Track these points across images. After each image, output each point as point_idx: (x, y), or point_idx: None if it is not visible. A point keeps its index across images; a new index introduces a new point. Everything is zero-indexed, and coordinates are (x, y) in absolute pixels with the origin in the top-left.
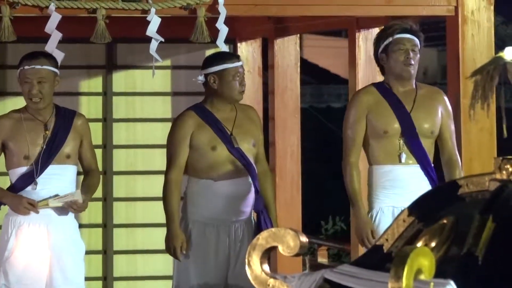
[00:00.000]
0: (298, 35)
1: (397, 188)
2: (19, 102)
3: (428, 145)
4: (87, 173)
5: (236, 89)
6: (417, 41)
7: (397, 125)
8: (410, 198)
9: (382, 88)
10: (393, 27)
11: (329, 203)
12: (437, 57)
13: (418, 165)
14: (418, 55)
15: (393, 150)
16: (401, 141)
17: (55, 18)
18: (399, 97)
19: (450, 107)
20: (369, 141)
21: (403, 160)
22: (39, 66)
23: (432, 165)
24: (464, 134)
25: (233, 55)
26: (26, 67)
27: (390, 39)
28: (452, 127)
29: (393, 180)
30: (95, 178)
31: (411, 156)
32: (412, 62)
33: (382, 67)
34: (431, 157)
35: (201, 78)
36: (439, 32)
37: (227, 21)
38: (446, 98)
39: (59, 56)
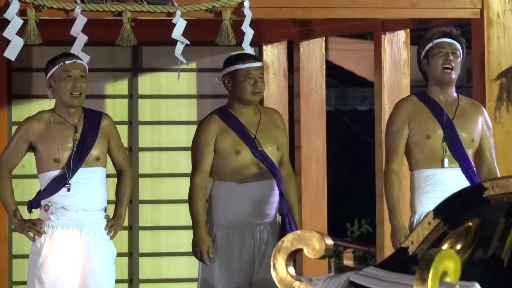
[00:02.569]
0: (324, 37)
1: (440, 191)
2: (44, 105)
3: (469, 154)
4: (119, 173)
5: (248, 90)
6: (457, 45)
7: (440, 130)
8: None
9: (424, 97)
10: (433, 32)
11: (354, 206)
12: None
13: (460, 168)
14: (460, 59)
15: (435, 154)
16: (445, 146)
17: (80, 21)
18: (441, 105)
19: (490, 121)
20: (411, 147)
21: (446, 165)
22: (80, 61)
23: (474, 168)
24: None
25: (247, 56)
26: (68, 61)
27: (430, 44)
28: (492, 140)
29: (435, 183)
30: (127, 183)
31: (453, 160)
32: (452, 65)
33: (425, 74)
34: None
35: (217, 80)
36: (464, 35)
37: (252, 24)
38: (486, 112)
39: (85, 59)
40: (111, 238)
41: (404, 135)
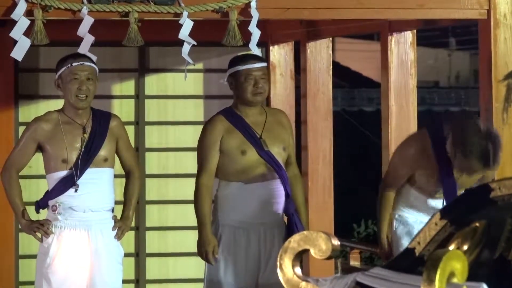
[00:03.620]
0: (330, 38)
1: (423, 207)
2: (52, 105)
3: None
4: (128, 174)
5: (249, 90)
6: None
7: (440, 190)
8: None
9: (440, 148)
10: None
11: (361, 206)
12: (469, 61)
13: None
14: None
15: (429, 194)
16: (439, 195)
17: (87, 21)
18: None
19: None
20: (409, 181)
21: (436, 196)
22: (88, 63)
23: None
24: None
25: (249, 57)
26: (75, 63)
27: None
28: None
29: (422, 203)
30: (135, 184)
31: (441, 192)
32: None
33: None
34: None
35: (222, 81)
36: (471, 35)
37: (259, 25)
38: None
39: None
40: (118, 239)
41: (406, 175)
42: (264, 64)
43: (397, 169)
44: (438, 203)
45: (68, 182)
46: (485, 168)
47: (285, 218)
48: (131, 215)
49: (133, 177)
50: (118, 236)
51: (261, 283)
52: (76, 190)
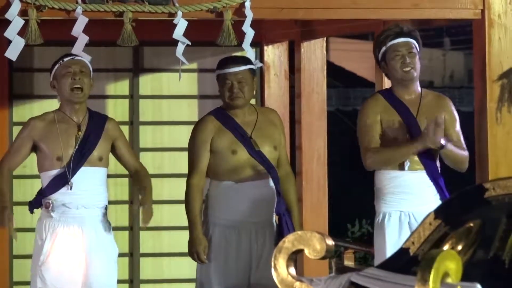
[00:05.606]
0: (325, 38)
1: (404, 193)
2: (46, 105)
3: (434, 151)
4: (135, 173)
5: (226, 95)
6: (412, 42)
7: (405, 132)
8: (417, 203)
9: (389, 95)
10: (385, 34)
11: (355, 206)
12: (464, 60)
13: (425, 171)
14: (417, 56)
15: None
16: (416, 161)
17: (81, 21)
18: (405, 103)
19: (455, 112)
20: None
21: (406, 168)
22: (79, 57)
23: (439, 171)
24: (491, 138)
25: (227, 61)
26: (66, 59)
27: (384, 48)
28: (458, 128)
29: (399, 185)
30: (146, 177)
31: (418, 162)
32: (410, 66)
33: (386, 74)
34: (437, 163)
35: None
36: (466, 35)
37: (253, 24)
38: (451, 104)
39: (86, 59)
40: (145, 223)
41: (377, 129)
42: (244, 67)
43: (367, 128)
44: (414, 176)
45: (62, 180)
46: (400, 37)
47: (276, 218)
48: (151, 201)
49: (140, 173)
50: (145, 221)
51: (253, 283)
52: (70, 188)
